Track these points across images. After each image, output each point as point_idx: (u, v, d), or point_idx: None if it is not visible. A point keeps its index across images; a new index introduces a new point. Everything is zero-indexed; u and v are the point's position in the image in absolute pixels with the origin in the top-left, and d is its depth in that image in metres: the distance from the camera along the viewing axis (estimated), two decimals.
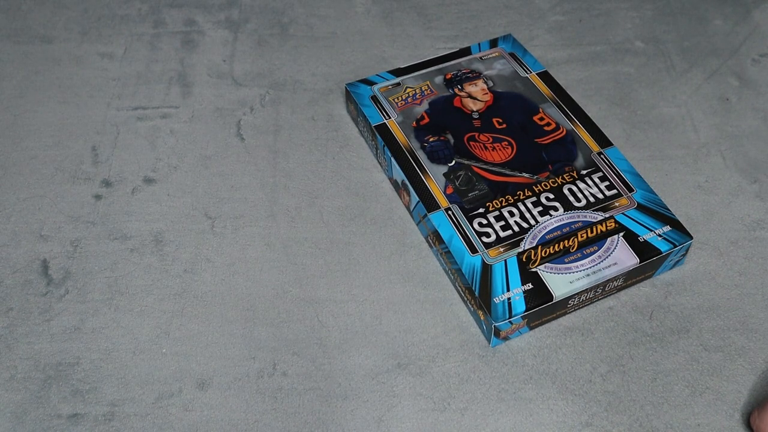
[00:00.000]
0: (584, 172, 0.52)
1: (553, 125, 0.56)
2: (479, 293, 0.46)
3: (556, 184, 0.52)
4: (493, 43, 0.62)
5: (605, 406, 0.44)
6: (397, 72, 0.60)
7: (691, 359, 0.46)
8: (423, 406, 0.45)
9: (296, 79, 0.65)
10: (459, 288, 0.49)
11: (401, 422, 0.44)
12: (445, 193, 0.51)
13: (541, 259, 0.47)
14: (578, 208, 0.50)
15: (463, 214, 0.50)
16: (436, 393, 0.45)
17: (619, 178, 0.52)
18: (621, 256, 0.47)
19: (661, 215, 0.50)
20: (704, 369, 0.46)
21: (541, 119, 0.56)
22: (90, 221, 0.55)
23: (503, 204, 0.51)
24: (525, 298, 0.46)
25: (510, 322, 0.45)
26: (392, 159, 0.54)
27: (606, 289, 0.48)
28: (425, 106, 0.58)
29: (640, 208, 0.50)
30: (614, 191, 0.51)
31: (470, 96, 0.58)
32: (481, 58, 0.61)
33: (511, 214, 0.50)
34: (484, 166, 0.53)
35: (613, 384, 0.45)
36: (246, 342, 0.48)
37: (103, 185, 0.57)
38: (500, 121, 0.56)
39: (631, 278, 0.49)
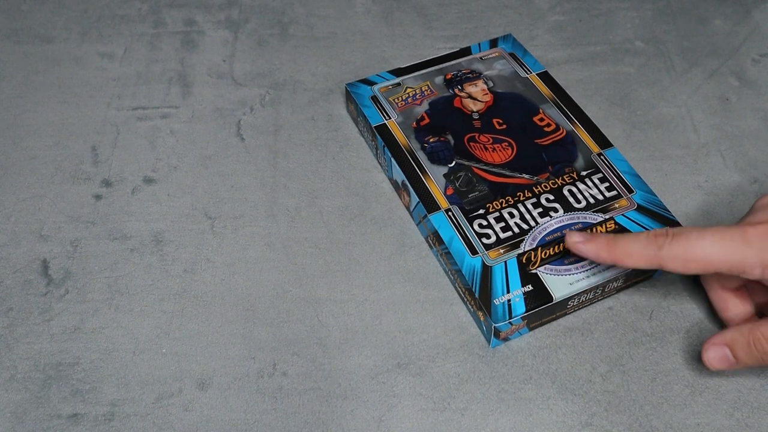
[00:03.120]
0: (584, 173, 0.53)
1: (554, 126, 0.56)
2: (479, 294, 0.46)
3: (556, 186, 0.52)
4: (493, 43, 0.62)
5: (605, 406, 0.44)
6: (397, 72, 0.60)
7: (691, 359, 0.46)
8: (423, 406, 0.45)
9: (296, 79, 0.65)
10: (459, 289, 0.49)
11: (401, 422, 0.44)
12: (445, 194, 0.51)
13: (541, 261, 0.47)
14: (578, 210, 0.50)
15: (463, 215, 0.50)
16: (436, 393, 0.45)
17: (619, 180, 0.52)
18: None
19: (661, 216, 0.50)
20: (704, 369, 0.46)
21: (542, 120, 0.56)
22: (90, 221, 0.55)
23: (503, 205, 0.51)
24: (525, 299, 0.46)
25: (510, 323, 0.45)
26: (392, 159, 0.54)
27: (606, 290, 0.48)
28: (425, 106, 0.58)
29: (640, 209, 0.50)
30: (614, 192, 0.51)
31: (470, 96, 0.58)
32: (481, 58, 0.61)
33: (511, 215, 0.50)
34: (484, 167, 0.53)
35: (613, 384, 0.45)
36: (246, 342, 0.48)
37: (103, 185, 0.57)
38: (500, 121, 0.56)
39: (630, 279, 0.49)
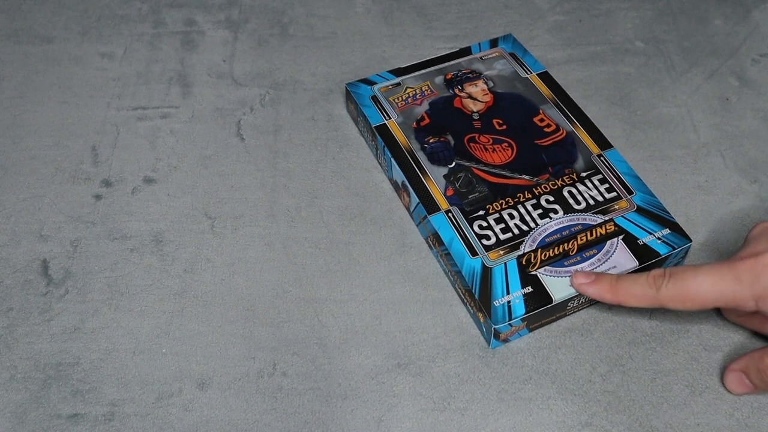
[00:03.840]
0: (584, 174, 0.53)
1: (554, 126, 0.56)
2: (479, 296, 0.46)
3: (556, 187, 0.52)
4: (493, 43, 0.62)
5: (605, 406, 0.45)
6: (398, 72, 0.60)
7: (691, 359, 0.46)
8: (423, 406, 0.45)
9: (296, 79, 0.65)
10: (459, 289, 0.49)
11: (401, 422, 0.44)
12: (445, 194, 0.51)
13: (540, 262, 0.47)
14: (578, 211, 0.50)
15: (463, 216, 0.50)
16: (436, 393, 0.45)
17: (618, 181, 0.52)
18: (620, 259, 0.47)
19: (661, 218, 0.50)
20: (704, 369, 0.46)
21: (542, 120, 0.56)
22: (90, 221, 0.55)
23: (503, 206, 0.51)
24: (525, 301, 0.46)
25: (510, 324, 0.45)
26: (392, 160, 0.54)
27: None
28: (425, 106, 0.58)
29: (640, 210, 0.50)
30: (614, 194, 0.51)
31: (470, 97, 0.58)
32: (481, 58, 0.61)
33: (511, 216, 0.50)
34: (484, 168, 0.53)
35: (613, 384, 0.45)
36: (246, 342, 0.48)
37: (103, 185, 0.57)
38: (500, 122, 0.56)
39: None
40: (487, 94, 0.58)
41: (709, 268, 0.41)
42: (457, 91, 0.59)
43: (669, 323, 0.48)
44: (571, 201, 0.51)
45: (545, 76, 0.59)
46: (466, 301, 0.48)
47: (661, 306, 0.43)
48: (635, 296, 0.43)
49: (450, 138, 0.55)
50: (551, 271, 0.47)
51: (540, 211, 0.50)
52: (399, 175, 0.53)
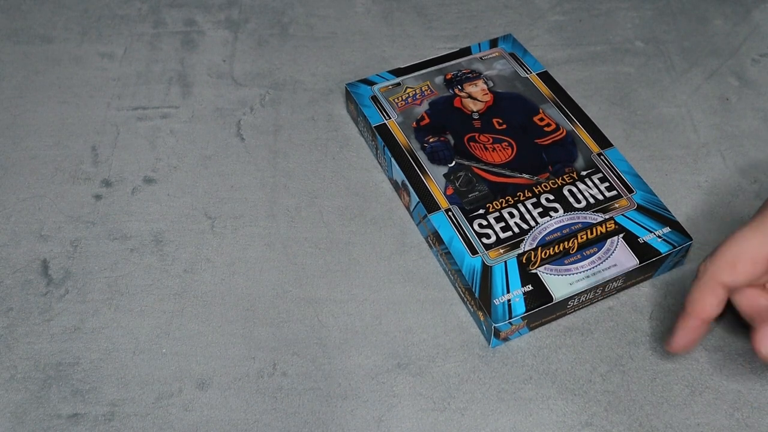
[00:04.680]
0: (584, 173, 0.53)
1: (554, 126, 0.56)
2: (479, 295, 0.46)
3: (556, 185, 0.52)
4: (493, 43, 0.62)
5: (605, 406, 0.44)
6: (397, 72, 0.60)
7: (690, 359, 0.46)
8: (423, 406, 0.45)
9: (296, 79, 0.65)
10: (459, 289, 0.49)
11: (401, 422, 0.44)
12: (445, 194, 0.51)
13: (541, 261, 0.47)
14: (578, 210, 0.50)
15: (463, 215, 0.50)
16: (436, 393, 0.45)
17: (619, 179, 0.52)
18: (621, 258, 0.47)
19: (661, 216, 0.50)
20: (704, 369, 0.46)
21: (541, 120, 0.56)
22: (90, 221, 0.55)
23: (503, 205, 0.51)
24: (525, 299, 0.46)
25: (510, 323, 0.45)
26: (392, 159, 0.54)
27: (606, 290, 0.48)
28: (425, 106, 0.58)
29: (640, 209, 0.50)
30: (614, 192, 0.51)
31: (470, 96, 0.58)
32: (481, 58, 0.61)
33: (511, 215, 0.50)
34: (484, 167, 0.53)
35: (613, 384, 0.45)
36: (246, 342, 0.48)
37: (103, 185, 0.57)
38: (500, 121, 0.56)
39: (630, 279, 0.49)
40: (487, 93, 0.58)
41: (742, 228, 0.41)
42: (457, 90, 0.59)
43: (669, 323, 0.48)
44: (571, 199, 0.51)
45: (545, 76, 0.60)
46: (466, 300, 0.48)
47: (720, 284, 0.40)
48: (700, 295, 0.41)
49: (450, 137, 0.55)
50: (551, 270, 0.47)
51: (540, 209, 0.50)
52: (399, 175, 0.53)
